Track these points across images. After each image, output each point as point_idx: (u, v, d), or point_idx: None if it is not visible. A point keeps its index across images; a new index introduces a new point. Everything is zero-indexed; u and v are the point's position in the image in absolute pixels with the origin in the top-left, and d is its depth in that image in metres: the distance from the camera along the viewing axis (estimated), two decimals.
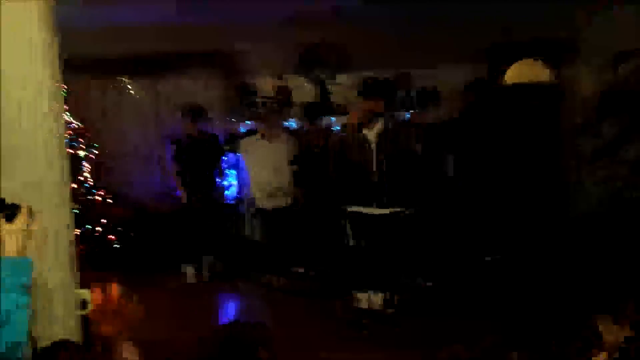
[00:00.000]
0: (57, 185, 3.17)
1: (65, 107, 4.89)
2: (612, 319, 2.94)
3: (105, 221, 6.37)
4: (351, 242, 4.94)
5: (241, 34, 6.14)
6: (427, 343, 4.03)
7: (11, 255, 2.13)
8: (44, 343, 2.47)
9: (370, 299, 4.89)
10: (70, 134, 6.04)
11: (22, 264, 2.08)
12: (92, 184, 6.46)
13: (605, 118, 5.31)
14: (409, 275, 5.41)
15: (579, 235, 5.40)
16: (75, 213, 3.55)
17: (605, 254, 4.88)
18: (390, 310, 4.87)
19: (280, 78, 7.07)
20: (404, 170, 4.86)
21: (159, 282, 5.89)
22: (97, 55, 6.38)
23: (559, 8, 5.32)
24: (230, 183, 6.67)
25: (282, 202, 6.02)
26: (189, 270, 6.12)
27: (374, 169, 4.82)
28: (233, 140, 6.60)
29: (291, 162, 6.05)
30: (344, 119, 5.77)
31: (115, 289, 2.39)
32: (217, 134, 6.53)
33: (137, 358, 2.62)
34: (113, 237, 6.38)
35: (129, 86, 7.01)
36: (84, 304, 3.32)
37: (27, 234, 2.25)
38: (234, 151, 6.40)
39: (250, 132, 6.50)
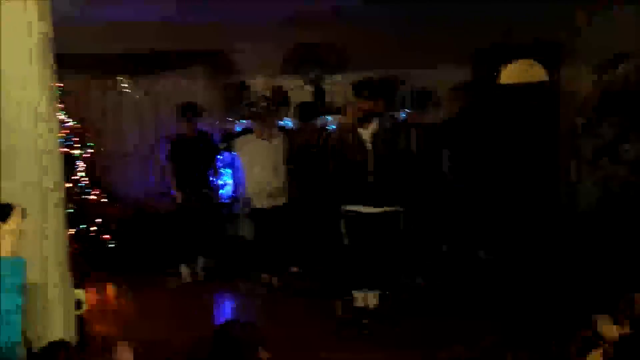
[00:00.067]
0: (55, 185, 3.18)
1: (60, 105, 4.85)
2: (612, 318, 2.94)
3: (100, 220, 6.32)
4: (346, 241, 4.92)
5: (241, 33, 6.11)
6: (427, 343, 4.02)
7: (5, 255, 2.10)
8: (39, 343, 2.44)
9: (366, 298, 4.87)
10: (67, 133, 5.99)
11: (17, 264, 2.06)
12: (87, 183, 6.41)
13: (605, 118, 5.32)
14: (407, 275, 5.40)
15: (579, 235, 5.41)
16: (70, 212, 3.53)
17: (605, 254, 4.88)
18: (386, 309, 4.85)
19: (277, 77, 7.04)
20: (400, 169, 4.83)
21: (153, 282, 5.82)
22: (95, 54, 6.34)
23: (558, 8, 5.32)
24: (226, 182, 6.62)
25: (277, 201, 5.98)
26: (184, 270, 6.08)
27: (370, 168, 4.79)
28: (228, 139, 6.56)
29: (287, 161, 6.02)
30: (339, 119, 5.75)
31: (110, 290, 2.37)
32: (212, 132, 6.48)
33: (132, 358, 2.59)
34: (108, 236, 6.33)
35: (125, 85, 6.96)
36: (78, 304, 3.29)
37: (20, 234, 2.23)
38: (230, 150, 6.36)
39: (246, 131, 6.45)
